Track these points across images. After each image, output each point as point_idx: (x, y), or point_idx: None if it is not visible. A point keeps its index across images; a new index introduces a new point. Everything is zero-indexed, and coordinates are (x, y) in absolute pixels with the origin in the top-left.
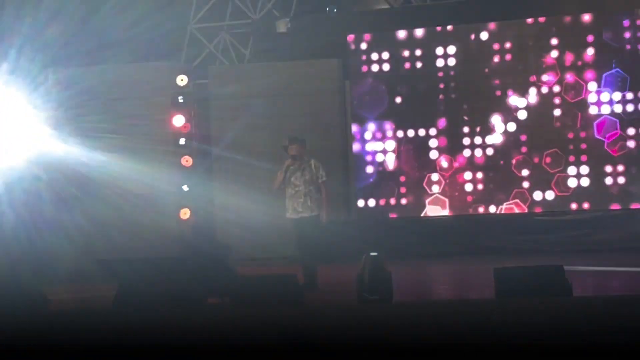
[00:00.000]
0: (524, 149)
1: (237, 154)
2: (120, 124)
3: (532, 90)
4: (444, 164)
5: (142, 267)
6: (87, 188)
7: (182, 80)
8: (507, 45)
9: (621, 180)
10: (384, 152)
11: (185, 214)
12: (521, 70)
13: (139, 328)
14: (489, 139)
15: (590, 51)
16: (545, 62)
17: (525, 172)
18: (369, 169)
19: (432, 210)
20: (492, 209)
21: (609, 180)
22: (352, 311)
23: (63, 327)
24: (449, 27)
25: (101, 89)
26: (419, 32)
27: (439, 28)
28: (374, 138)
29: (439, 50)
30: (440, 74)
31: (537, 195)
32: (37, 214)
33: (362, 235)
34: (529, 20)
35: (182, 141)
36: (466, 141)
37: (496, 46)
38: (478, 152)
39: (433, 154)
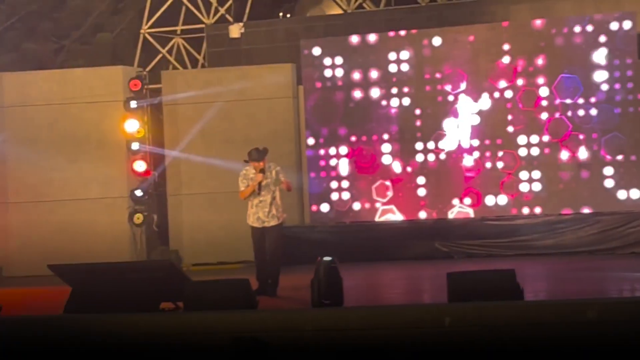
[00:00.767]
0: (476, 154)
1: (191, 158)
2: (73, 128)
3: (485, 95)
4: (397, 169)
5: (94, 272)
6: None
7: (135, 85)
8: (460, 50)
9: (572, 185)
10: (337, 157)
11: (138, 219)
12: (474, 75)
13: (91, 333)
14: (442, 144)
15: (542, 57)
16: (497, 68)
17: (477, 177)
18: (323, 174)
19: (385, 215)
20: (445, 214)
21: (560, 185)
22: (304, 315)
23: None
24: (402, 33)
25: (53, 93)
26: (372, 38)
27: (391, 33)
28: (327, 143)
29: (392, 56)
30: (394, 79)
31: (489, 200)
32: None
33: (315, 240)
34: (482, 25)
35: (135, 146)
36: (419, 146)
37: (449, 51)
38: (431, 157)
39: (386, 159)
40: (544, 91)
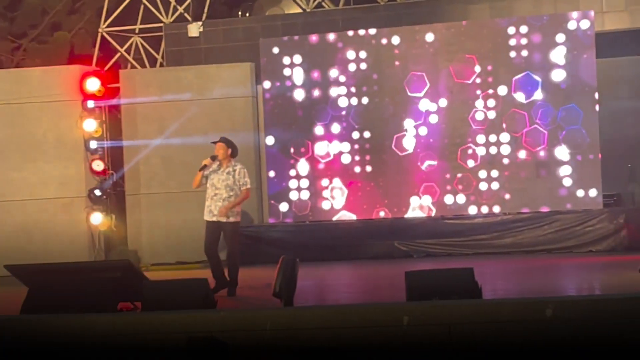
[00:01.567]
0: (435, 153)
1: (149, 157)
2: (30, 128)
3: (444, 95)
4: (356, 168)
5: (51, 273)
6: None
7: (93, 84)
8: (419, 49)
9: (530, 183)
10: (297, 156)
11: (96, 218)
12: (433, 74)
13: (48, 334)
14: (401, 144)
15: (501, 56)
16: (456, 67)
17: (436, 176)
18: (281, 174)
19: (345, 214)
20: (404, 212)
21: (519, 184)
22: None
23: None
24: (361, 32)
25: (10, 92)
26: (331, 37)
27: (350, 32)
28: (286, 142)
29: (351, 55)
30: (353, 78)
31: (448, 199)
32: None
33: (274, 239)
34: (440, 25)
35: (93, 145)
36: (378, 145)
37: (408, 50)
38: (390, 156)
39: (345, 159)
40: (502, 90)
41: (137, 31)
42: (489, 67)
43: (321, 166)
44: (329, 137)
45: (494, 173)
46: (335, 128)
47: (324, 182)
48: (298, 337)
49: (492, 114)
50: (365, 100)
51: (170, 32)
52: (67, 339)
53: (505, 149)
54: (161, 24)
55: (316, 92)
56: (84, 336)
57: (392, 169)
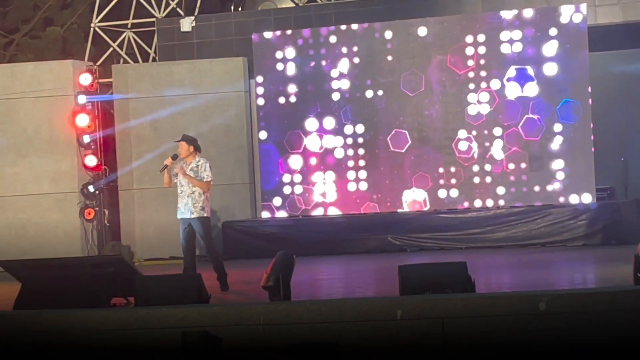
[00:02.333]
0: (428, 147)
1: (142, 152)
2: (23, 123)
3: (437, 88)
4: (350, 162)
5: (45, 268)
6: None
7: (85, 79)
8: (412, 43)
9: (524, 177)
10: (290, 151)
11: (89, 214)
12: (426, 68)
13: (42, 329)
14: (395, 137)
15: (494, 49)
16: (450, 60)
17: (429, 171)
18: (275, 168)
19: (339, 209)
20: (397, 207)
21: (512, 178)
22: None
23: None
24: (354, 26)
25: (3, 87)
26: (324, 31)
27: (343, 27)
28: (279, 137)
29: (344, 49)
30: (345, 72)
31: (442, 193)
32: None
33: (267, 234)
34: (433, 19)
35: (85, 140)
36: (372, 139)
37: (401, 44)
38: (383, 151)
39: (338, 153)
40: (495, 84)
41: (129, 26)
42: (482, 61)
43: (314, 161)
44: (322, 131)
45: (487, 167)
46: (328, 122)
47: (317, 176)
48: (291, 331)
49: (485, 108)
50: (358, 94)
51: (162, 27)
52: (60, 334)
53: (498, 143)
54: (153, 19)
55: (309, 87)
56: (77, 331)
57: (385, 163)
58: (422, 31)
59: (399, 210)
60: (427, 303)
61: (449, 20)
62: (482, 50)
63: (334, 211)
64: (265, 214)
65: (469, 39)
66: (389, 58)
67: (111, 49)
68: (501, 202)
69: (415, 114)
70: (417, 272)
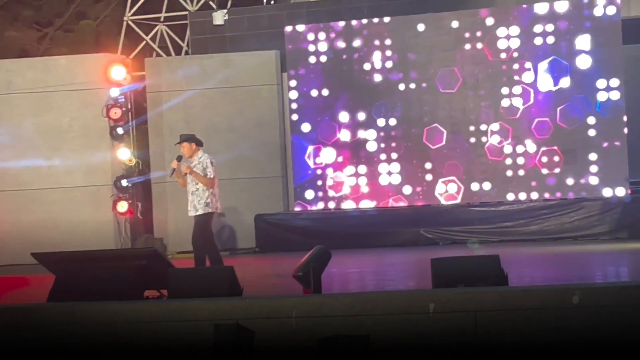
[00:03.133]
0: (461, 140)
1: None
2: (56, 116)
3: (469, 81)
4: (382, 155)
5: (78, 260)
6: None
7: (118, 72)
8: (444, 36)
9: (557, 170)
10: (322, 144)
11: (122, 206)
12: (458, 61)
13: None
14: (428, 131)
15: (526, 41)
16: (482, 53)
17: (463, 163)
18: (308, 161)
19: (370, 202)
20: (430, 200)
21: (545, 171)
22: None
23: None
24: (386, 19)
25: (36, 81)
26: (357, 24)
27: (375, 20)
28: (312, 130)
29: (376, 42)
30: (378, 65)
31: (474, 186)
32: None
33: (300, 227)
34: (465, 12)
35: (118, 133)
36: (405, 133)
37: (432, 38)
38: (417, 144)
39: (371, 146)
40: (529, 76)
41: (162, 19)
42: (515, 54)
43: (346, 154)
44: (354, 124)
45: (520, 160)
46: (361, 115)
47: (349, 169)
48: (324, 324)
49: (518, 101)
50: (390, 87)
51: (195, 20)
52: (93, 326)
53: (532, 136)
54: (186, 12)
55: (341, 80)
56: (110, 324)
57: (418, 156)
58: (455, 24)
59: (432, 204)
60: (460, 296)
61: (482, 13)
62: (515, 43)
63: (366, 204)
64: (298, 207)
65: (502, 31)
66: (422, 51)
67: (144, 42)
68: (534, 195)
69: (448, 107)
70: (449, 265)
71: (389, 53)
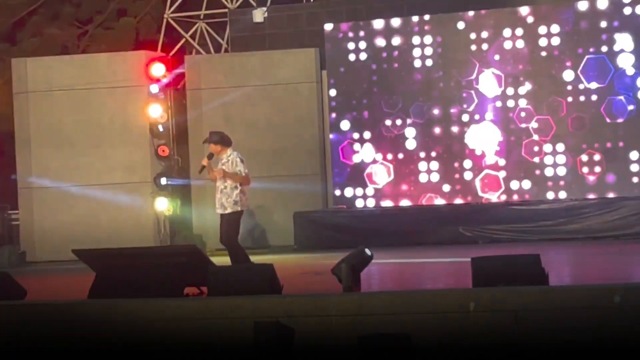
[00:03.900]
0: (502, 138)
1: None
2: (96, 113)
3: (507, 81)
4: (421, 153)
5: (119, 257)
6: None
7: (158, 70)
8: (483, 34)
9: (597, 169)
10: (361, 141)
11: (162, 203)
12: (498, 60)
13: (115, 318)
14: (465, 129)
15: (566, 40)
16: (521, 52)
17: (502, 162)
18: (346, 159)
19: (410, 200)
20: (469, 198)
21: (586, 169)
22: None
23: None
24: (426, 17)
25: (77, 78)
26: (396, 22)
27: (415, 18)
28: (351, 128)
29: (416, 40)
30: (417, 63)
31: (514, 185)
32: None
33: (339, 225)
34: (504, 10)
35: (158, 130)
36: (442, 131)
37: (473, 36)
38: (455, 142)
39: (410, 144)
40: (569, 75)
41: (202, 17)
42: (555, 52)
43: (385, 151)
44: (394, 122)
45: (561, 159)
46: (400, 113)
47: (389, 167)
48: (364, 322)
49: (558, 100)
50: (431, 85)
51: (235, 18)
52: (133, 323)
53: (573, 135)
54: (226, 10)
55: (381, 78)
56: (150, 321)
57: (458, 154)
58: (496, 22)
59: (471, 202)
60: (500, 295)
61: (519, 12)
62: (555, 41)
63: (404, 202)
64: (337, 205)
65: (542, 29)
66: (462, 49)
67: (184, 40)
68: (574, 194)
69: (490, 106)
70: (490, 264)
71: (428, 51)
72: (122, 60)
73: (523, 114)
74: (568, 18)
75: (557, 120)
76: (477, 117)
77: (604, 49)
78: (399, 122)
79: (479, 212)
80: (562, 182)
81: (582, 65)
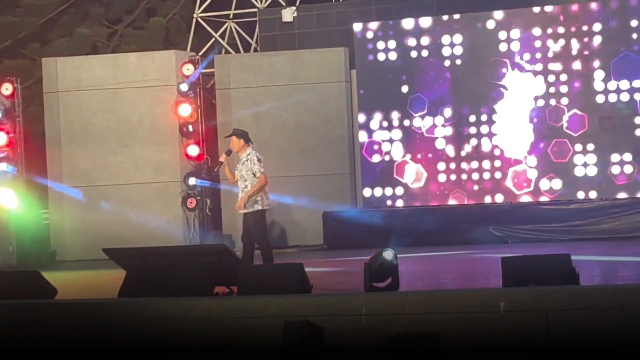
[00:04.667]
0: (531, 138)
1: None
2: (126, 113)
3: (540, 79)
4: (451, 153)
5: (149, 256)
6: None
7: (188, 69)
8: (514, 33)
9: (628, 169)
10: (391, 141)
11: (191, 203)
12: (528, 59)
13: (146, 317)
14: (495, 129)
15: (597, 39)
16: (552, 51)
17: (532, 161)
18: (376, 158)
19: (439, 199)
20: (499, 198)
21: (615, 169)
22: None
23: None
24: (456, 16)
25: (107, 78)
26: (426, 21)
27: (445, 17)
28: (380, 127)
29: (446, 39)
30: (447, 62)
31: (544, 184)
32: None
33: (368, 224)
34: (534, 9)
35: (188, 130)
36: (472, 130)
37: (503, 35)
38: (484, 142)
39: (439, 143)
40: (599, 74)
41: (231, 16)
42: (586, 52)
43: (414, 151)
44: (422, 121)
45: (591, 158)
46: (430, 114)
47: (418, 166)
48: (393, 322)
49: (590, 99)
50: (461, 85)
51: (264, 18)
52: (164, 322)
53: (602, 135)
54: (255, 9)
55: (410, 77)
56: (180, 320)
57: (486, 153)
58: (526, 22)
59: (501, 202)
60: (531, 295)
61: (551, 11)
62: (586, 40)
63: (433, 201)
64: (366, 204)
65: (573, 29)
66: (492, 48)
67: (213, 39)
68: (604, 194)
69: (520, 106)
70: (520, 263)
71: (458, 50)
72: (152, 59)
73: (553, 114)
74: (599, 17)
75: (588, 120)
76: (507, 116)
77: (635, 47)
78: (428, 121)
79: (508, 212)
80: (592, 182)
81: (612, 64)
